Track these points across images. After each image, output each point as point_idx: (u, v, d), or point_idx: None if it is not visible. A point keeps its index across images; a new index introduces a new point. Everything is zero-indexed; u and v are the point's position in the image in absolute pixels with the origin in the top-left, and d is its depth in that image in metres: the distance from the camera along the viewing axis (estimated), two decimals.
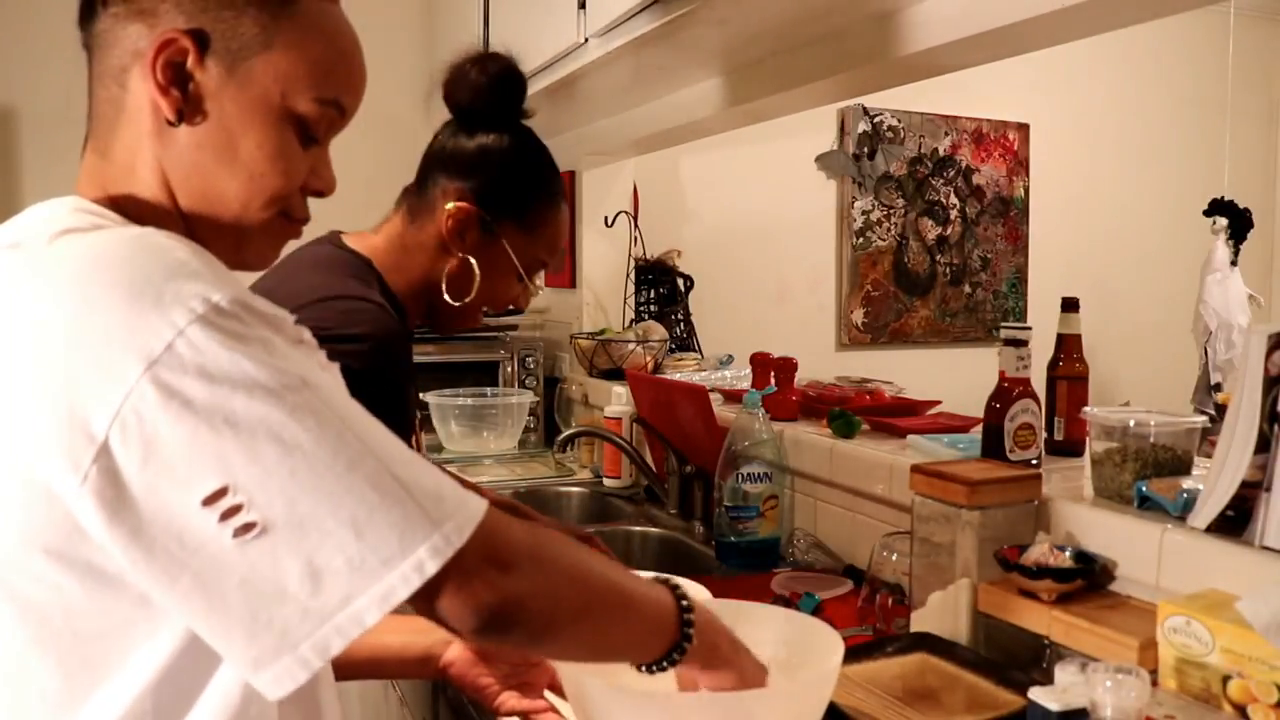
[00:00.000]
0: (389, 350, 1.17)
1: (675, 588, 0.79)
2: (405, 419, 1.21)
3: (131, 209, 0.73)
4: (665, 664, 0.77)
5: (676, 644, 0.77)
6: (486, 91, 1.27)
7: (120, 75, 0.72)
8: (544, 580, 0.68)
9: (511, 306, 1.36)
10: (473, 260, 1.26)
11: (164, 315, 0.59)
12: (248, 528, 0.58)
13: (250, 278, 1.10)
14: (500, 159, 1.29)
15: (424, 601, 0.63)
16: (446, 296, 1.28)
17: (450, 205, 1.26)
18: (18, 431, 0.59)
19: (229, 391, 0.59)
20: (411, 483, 0.62)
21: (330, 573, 0.59)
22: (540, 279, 1.36)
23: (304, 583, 0.59)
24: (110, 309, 0.59)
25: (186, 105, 0.72)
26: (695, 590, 0.89)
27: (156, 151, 0.73)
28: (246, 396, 0.59)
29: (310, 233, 0.94)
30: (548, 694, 1.10)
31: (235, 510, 0.58)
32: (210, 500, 0.58)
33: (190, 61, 0.71)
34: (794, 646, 0.95)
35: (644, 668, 0.77)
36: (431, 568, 0.61)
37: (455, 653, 1.08)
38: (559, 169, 1.35)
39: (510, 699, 1.07)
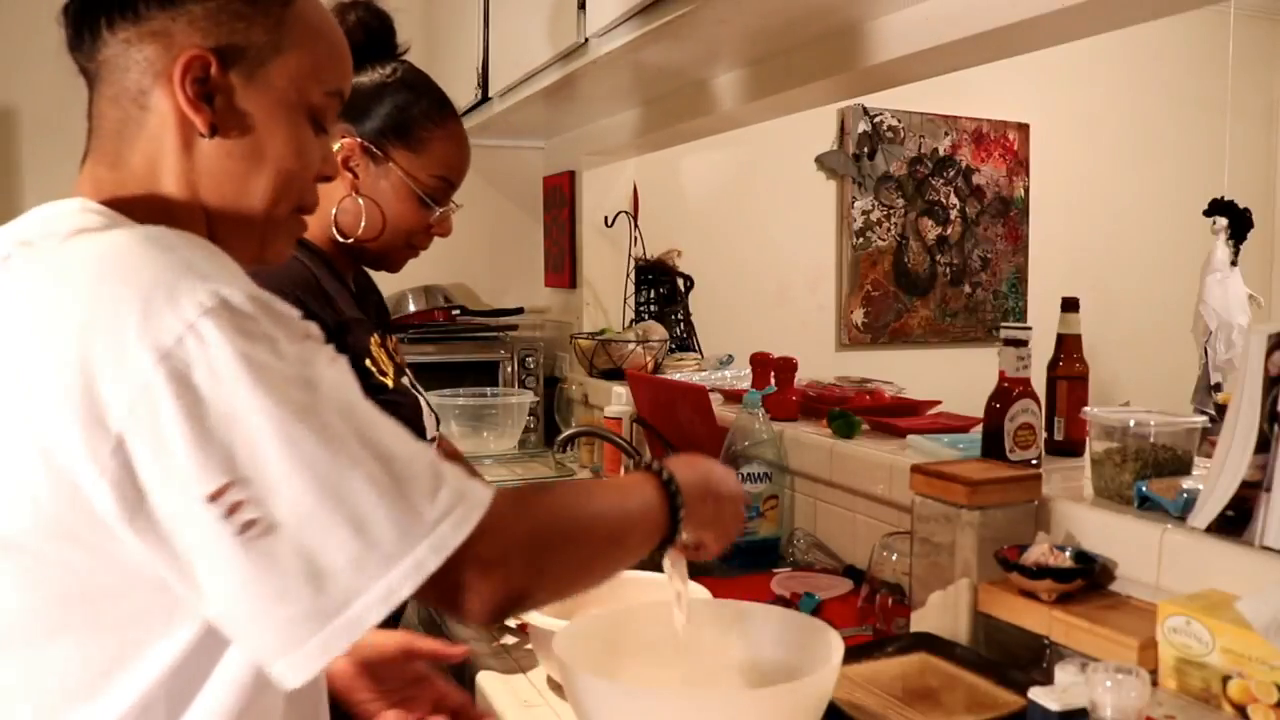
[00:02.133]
0: (300, 301, 1.18)
1: (659, 472, 0.84)
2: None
3: (142, 211, 0.73)
4: (659, 552, 0.85)
5: (669, 536, 0.83)
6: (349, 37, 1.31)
7: (140, 96, 0.74)
8: (547, 560, 0.70)
9: (437, 235, 1.38)
10: (358, 194, 1.30)
11: (176, 310, 0.60)
12: (251, 524, 0.59)
13: None
14: (372, 90, 1.33)
15: (430, 598, 0.64)
16: (336, 231, 1.31)
17: (335, 145, 1.29)
18: (39, 424, 0.60)
19: (235, 387, 0.60)
20: (411, 479, 0.63)
21: (333, 572, 0.60)
22: (454, 203, 1.38)
23: (307, 582, 0.60)
24: (124, 304, 0.60)
25: (216, 118, 0.74)
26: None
27: (184, 165, 0.75)
28: (251, 393, 0.60)
29: None
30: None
31: (238, 506, 0.59)
32: (215, 495, 0.59)
33: (214, 76, 0.74)
34: (794, 646, 0.95)
35: None
36: (432, 564, 0.62)
37: (338, 665, 1.05)
38: (445, 94, 1.38)
39: (391, 717, 1.05)
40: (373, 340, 1.32)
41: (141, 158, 0.75)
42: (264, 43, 0.75)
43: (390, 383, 1.31)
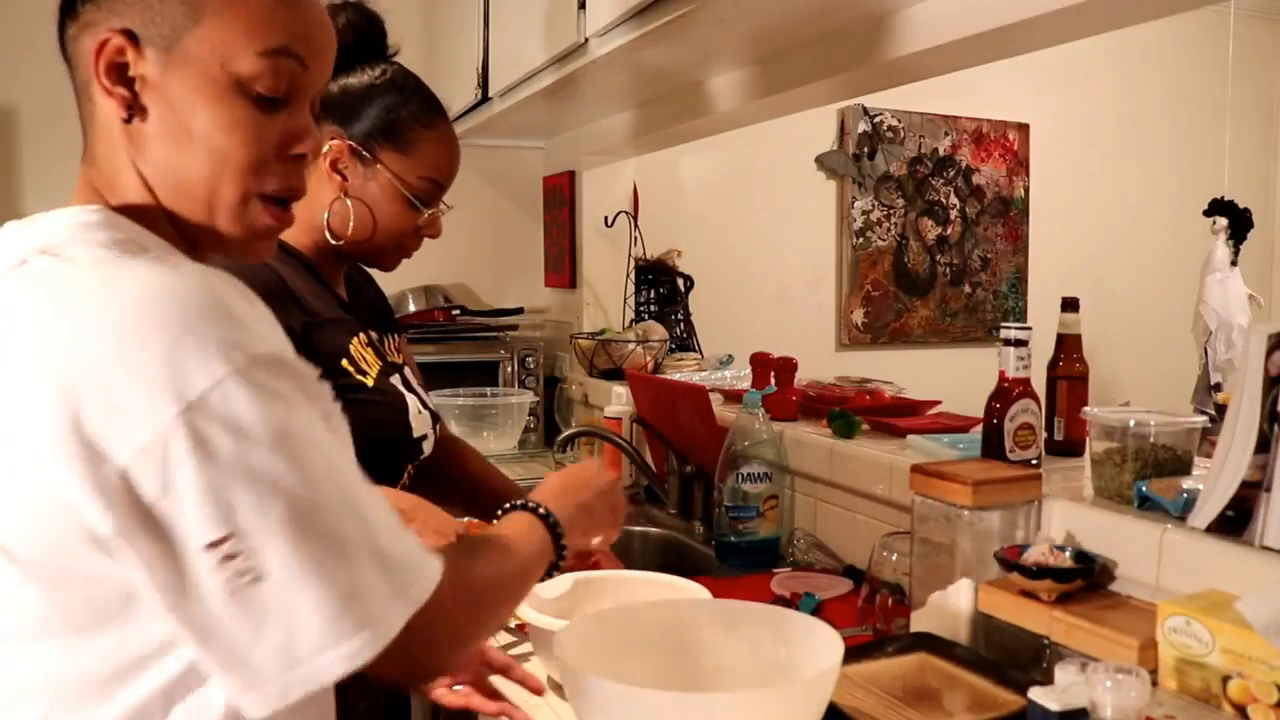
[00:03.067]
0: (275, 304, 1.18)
1: (536, 508, 0.91)
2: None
3: (130, 217, 0.74)
4: (550, 576, 0.92)
5: (554, 563, 0.92)
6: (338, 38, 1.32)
7: (86, 89, 0.75)
8: (473, 629, 0.79)
9: (426, 236, 1.38)
10: (347, 197, 1.31)
11: (205, 363, 0.61)
12: (242, 574, 0.61)
13: None
14: (360, 92, 1.33)
15: (378, 662, 0.66)
16: (328, 234, 1.31)
17: (324, 148, 1.29)
18: (50, 451, 0.60)
19: (251, 446, 0.61)
20: (389, 551, 0.67)
21: (306, 628, 0.62)
22: (444, 204, 1.38)
23: (279, 631, 0.62)
24: (154, 347, 0.60)
25: (134, 100, 0.73)
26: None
27: (129, 153, 0.74)
28: (266, 452, 0.62)
29: None
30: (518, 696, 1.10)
31: (234, 556, 0.61)
32: (214, 545, 0.61)
33: (130, 58, 0.72)
34: (793, 646, 0.95)
35: None
36: (394, 630, 0.65)
37: None
38: (435, 96, 1.38)
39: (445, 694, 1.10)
40: (356, 339, 1.32)
41: (103, 151, 0.75)
42: (179, 14, 0.72)
43: (370, 381, 1.30)
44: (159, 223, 0.75)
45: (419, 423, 1.38)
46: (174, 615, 0.62)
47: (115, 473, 0.59)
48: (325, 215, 1.31)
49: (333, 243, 1.32)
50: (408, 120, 1.33)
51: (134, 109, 0.73)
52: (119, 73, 0.73)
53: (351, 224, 1.30)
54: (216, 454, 0.60)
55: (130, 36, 0.72)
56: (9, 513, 0.62)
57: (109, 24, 0.72)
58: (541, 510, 0.91)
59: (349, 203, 1.31)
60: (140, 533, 0.60)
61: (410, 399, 1.37)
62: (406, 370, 1.44)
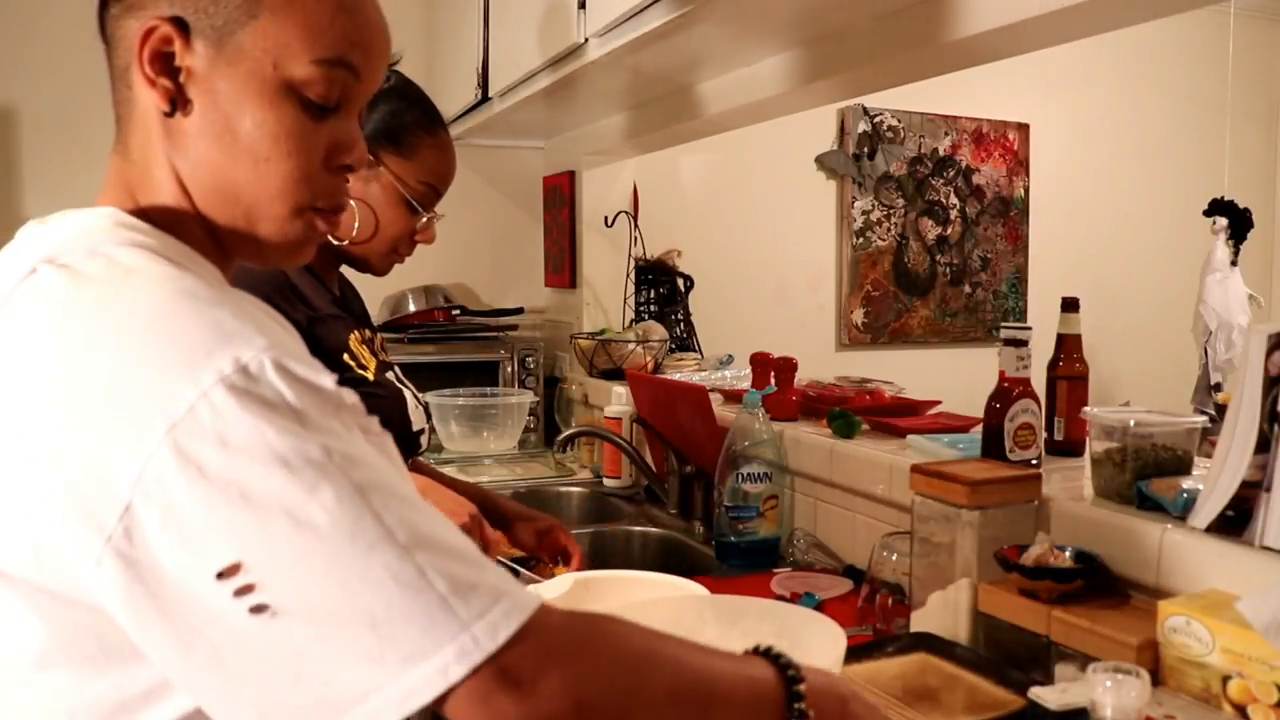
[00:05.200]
0: (269, 300, 1.19)
1: (778, 658, 0.69)
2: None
3: (158, 217, 0.71)
4: None
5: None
6: None
7: (125, 74, 0.71)
8: (593, 692, 0.58)
9: (420, 242, 1.40)
10: (349, 196, 1.30)
11: (191, 377, 0.56)
12: (261, 609, 0.54)
13: None
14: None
15: (449, 708, 0.56)
16: (330, 237, 1.31)
17: None
18: (53, 481, 0.57)
19: (246, 461, 0.55)
20: (440, 572, 0.56)
21: (346, 666, 0.54)
22: (436, 212, 1.40)
23: (317, 673, 0.55)
24: (141, 367, 0.57)
25: (178, 93, 0.69)
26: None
27: (165, 148, 0.71)
28: (263, 468, 0.55)
29: None
30: None
31: (248, 589, 0.54)
32: (225, 575, 0.54)
33: (177, 48, 0.68)
34: (796, 639, 0.95)
35: None
36: (457, 673, 0.55)
37: None
38: (434, 106, 1.42)
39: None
40: (353, 336, 1.34)
41: (138, 142, 0.72)
42: (235, 8, 0.68)
43: (370, 376, 1.33)
44: (190, 225, 0.72)
45: (417, 416, 1.40)
46: (181, 669, 0.57)
47: (121, 509, 0.55)
48: None
49: (334, 243, 1.33)
50: (411, 126, 1.36)
51: (176, 102, 0.69)
52: (164, 62, 0.68)
53: (356, 224, 1.32)
54: (206, 472, 0.55)
55: (180, 25, 0.68)
56: (13, 544, 0.59)
57: (158, 10, 0.68)
58: (781, 660, 0.70)
59: (352, 204, 1.32)
60: (142, 588, 0.55)
61: (406, 393, 1.39)
62: (396, 368, 1.47)
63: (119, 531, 0.55)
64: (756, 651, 0.70)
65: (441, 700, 0.55)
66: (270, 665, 0.55)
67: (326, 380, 0.61)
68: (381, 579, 0.55)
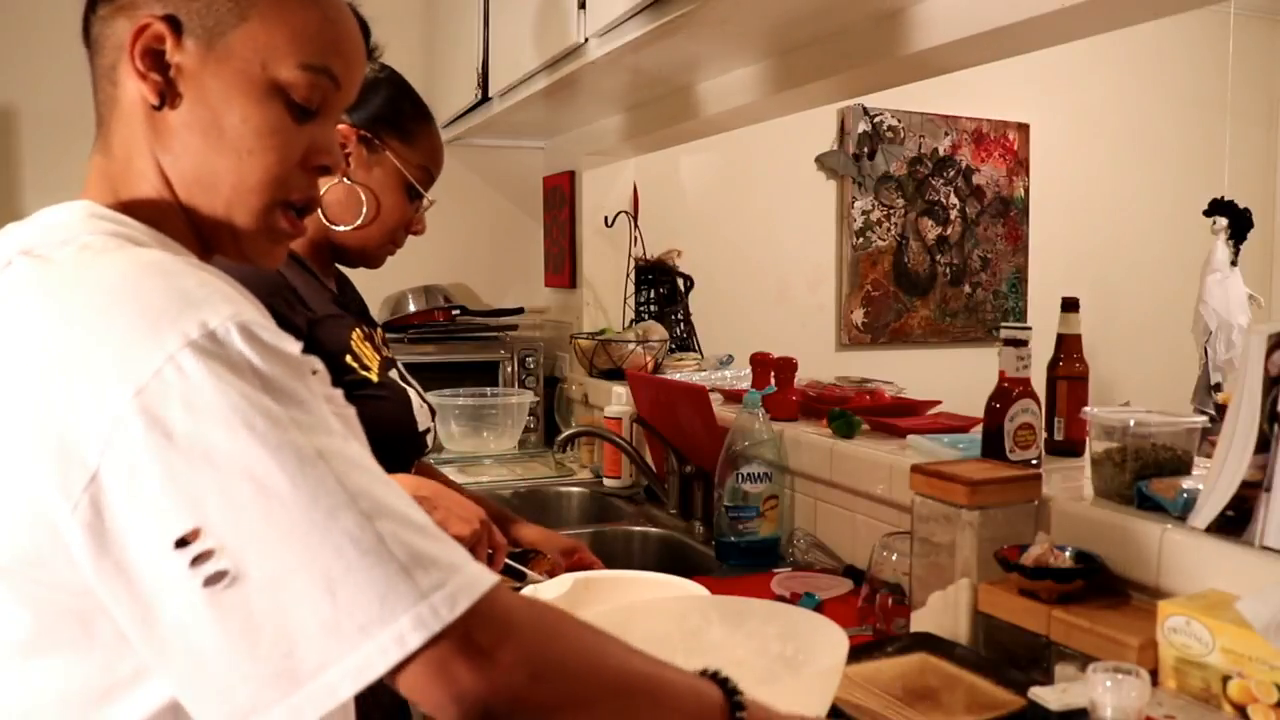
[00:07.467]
0: (267, 303, 1.19)
1: (724, 681, 0.70)
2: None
3: (139, 210, 0.73)
4: None
5: None
6: None
7: (111, 72, 0.74)
8: (548, 668, 0.59)
9: (412, 233, 1.41)
10: (352, 180, 1.33)
11: (158, 342, 0.57)
12: (219, 576, 0.54)
13: None
14: (366, 83, 1.37)
15: (405, 679, 0.56)
16: (326, 220, 1.33)
17: None
18: (17, 458, 0.58)
19: (211, 425, 0.56)
20: (399, 541, 0.57)
21: (304, 635, 0.55)
22: (427, 199, 1.41)
23: (276, 643, 0.54)
24: (111, 337, 0.58)
25: (168, 87, 0.72)
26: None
27: (150, 142, 0.73)
28: (228, 431, 0.56)
29: None
30: None
31: (207, 556, 0.54)
32: (182, 542, 0.55)
33: (168, 45, 0.71)
34: (799, 642, 0.95)
35: None
36: (414, 641, 0.55)
37: None
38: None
39: None
40: (355, 334, 1.33)
41: (120, 138, 0.74)
42: (227, 10, 0.72)
43: (374, 377, 1.31)
44: (172, 217, 0.74)
45: (422, 416, 1.39)
46: (146, 642, 0.57)
47: (88, 478, 0.56)
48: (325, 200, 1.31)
49: (335, 229, 1.33)
50: (409, 111, 1.38)
51: (165, 96, 0.72)
52: (154, 59, 0.71)
53: (364, 209, 1.32)
54: (173, 435, 0.55)
55: (172, 23, 0.71)
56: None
57: (150, 9, 0.71)
58: (728, 684, 0.69)
59: (357, 189, 1.32)
60: (108, 557, 0.56)
61: (410, 392, 1.38)
62: (399, 364, 1.46)
63: (85, 501, 0.56)
64: (704, 674, 0.70)
65: (397, 671, 0.56)
66: (228, 638, 0.55)
67: (292, 346, 0.62)
68: (341, 544, 0.55)
